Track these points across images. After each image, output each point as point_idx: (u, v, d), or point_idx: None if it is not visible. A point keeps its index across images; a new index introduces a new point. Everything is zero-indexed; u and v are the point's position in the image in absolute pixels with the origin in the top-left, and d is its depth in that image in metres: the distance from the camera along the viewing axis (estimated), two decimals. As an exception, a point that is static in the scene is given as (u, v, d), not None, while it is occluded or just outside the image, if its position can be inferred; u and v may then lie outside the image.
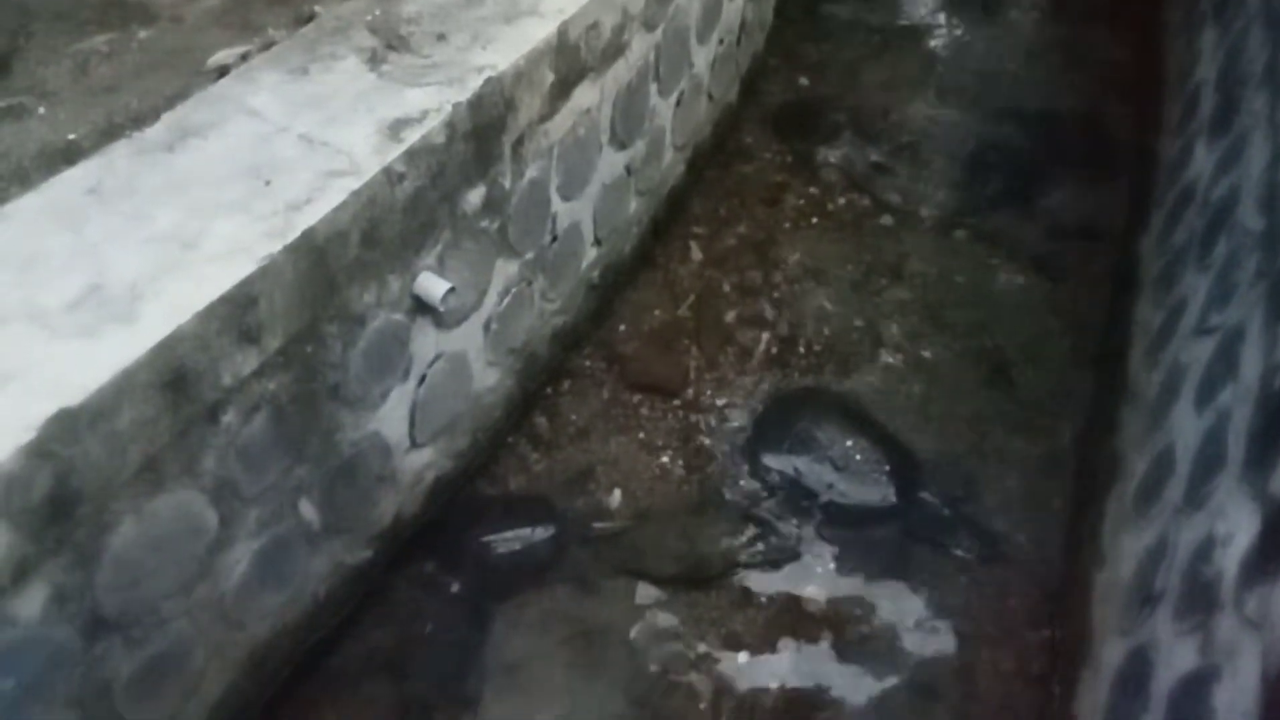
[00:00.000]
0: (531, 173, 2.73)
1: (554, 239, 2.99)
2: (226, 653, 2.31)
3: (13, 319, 1.79)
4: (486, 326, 2.81)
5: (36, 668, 1.79)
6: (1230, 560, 1.97)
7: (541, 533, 2.94)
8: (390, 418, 2.54)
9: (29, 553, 1.67)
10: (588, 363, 3.38)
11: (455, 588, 2.81)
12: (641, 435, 3.19)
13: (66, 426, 1.65)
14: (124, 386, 1.73)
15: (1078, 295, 3.68)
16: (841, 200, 4.05)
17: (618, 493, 3.05)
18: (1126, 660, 2.25)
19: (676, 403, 3.28)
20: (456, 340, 2.69)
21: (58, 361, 1.72)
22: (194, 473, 2.01)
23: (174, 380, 1.82)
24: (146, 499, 1.91)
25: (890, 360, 3.43)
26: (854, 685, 2.65)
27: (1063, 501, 3.04)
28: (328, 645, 2.64)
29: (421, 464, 2.77)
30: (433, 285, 2.40)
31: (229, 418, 2.03)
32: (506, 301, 2.85)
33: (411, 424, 2.64)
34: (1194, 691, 1.91)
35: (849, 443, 3.16)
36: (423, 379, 2.60)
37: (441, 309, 2.43)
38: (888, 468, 3.10)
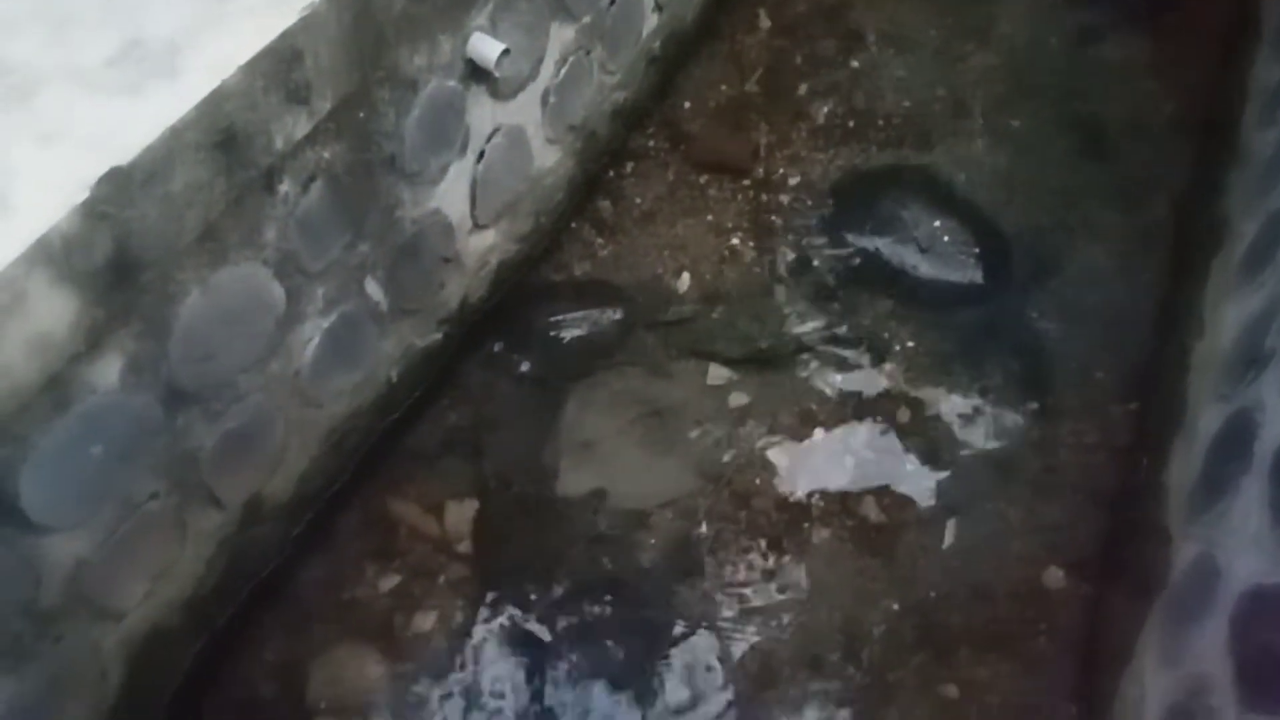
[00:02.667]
0: (586, -77, 2.50)
1: (612, 2, 2.77)
2: (306, 430, 2.34)
3: (53, 78, 1.70)
4: (544, 99, 2.66)
5: (121, 435, 1.82)
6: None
7: (610, 315, 2.88)
8: (450, 195, 2.46)
9: (98, 318, 1.65)
10: (651, 142, 3.22)
11: (525, 369, 2.80)
12: (710, 217, 3.07)
13: (119, 186, 1.59)
14: (174, 146, 1.65)
15: (1183, 56, 3.36)
16: (923, -41, 3.69)
17: (686, 276, 2.96)
18: (1226, 425, 2.16)
19: (746, 182, 3.12)
20: (514, 113, 2.55)
21: (103, 120, 1.64)
22: (256, 245, 1.96)
23: (224, 141, 1.74)
24: (210, 270, 1.87)
25: (974, 131, 3.20)
26: (931, 461, 2.62)
27: (1156, 274, 2.87)
28: (405, 426, 2.67)
29: (485, 246, 2.70)
30: (486, 47, 2.24)
31: (285, 187, 1.96)
32: (564, 71, 2.68)
33: (472, 203, 2.55)
34: (1302, 447, 1.82)
35: (936, 223, 2.98)
36: (481, 154, 2.49)
37: (496, 73, 2.28)
38: (976, 250, 2.94)
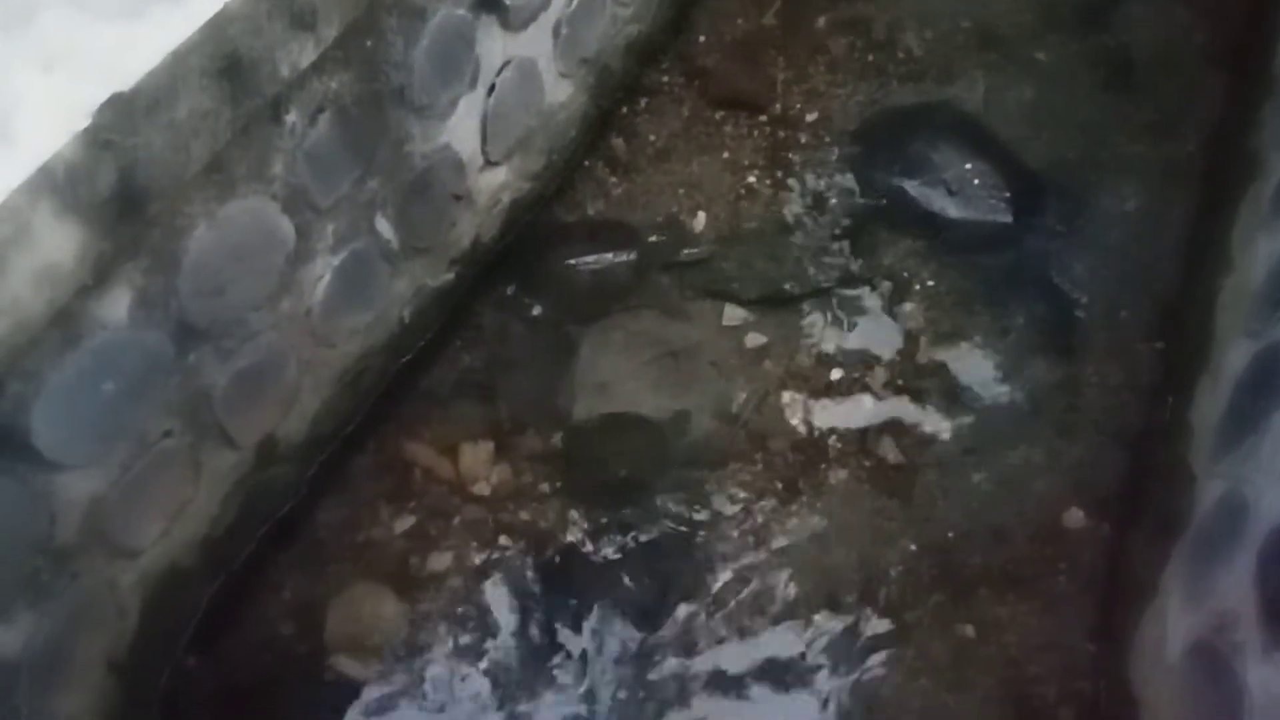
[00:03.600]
0: None
1: (626, -70, 2.69)
2: (319, 370, 2.32)
3: (52, 2, 1.65)
4: (556, 31, 2.59)
5: (133, 372, 1.80)
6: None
7: (624, 256, 2.83)
8: (461, 130, 2.40)
9: (105, 251, 1.61)
10: (665, 78, 3.14)
11: (539, 311, 2.76)
12: (726, 154, 3.00)
13: (122, 113, 1.55)
14: (177, 71, 1.60)
15: (1216, -16, 3.25)
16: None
17: (702, 215, 2.90)
18: (1255, 361, 2.11)
19: (763, 118, 3.05)
20: (525, 44, 2.49)
21: (103, 44, 1.59)
22: (264, 178, 1.92)
23: (228, 67, 1.69)
24: (218, 204, 1.83)
25: (999, 64, 3.11)
26: (951, 401, 2.58)
27: (1184, 210, 2.80)
28: (419, 367, 2.64)
29: (497, 184, 2.65)
30: (496, -27, 2.17)
31: (292, 118, 1.91)
32: (576, 2, 2.60)
33: (483, 138, 2.49)
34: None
35: (966, 166, 2.90)
36: (492, 88, 2.43)
37: (507, 1, 2.21)
38: (1006, 194, 2.86)
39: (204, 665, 2.23)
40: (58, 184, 1.48)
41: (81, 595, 1.86)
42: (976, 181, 2.85)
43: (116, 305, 1.72)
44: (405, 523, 2.45)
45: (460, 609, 2.33)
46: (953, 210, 2.83)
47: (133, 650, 2.03)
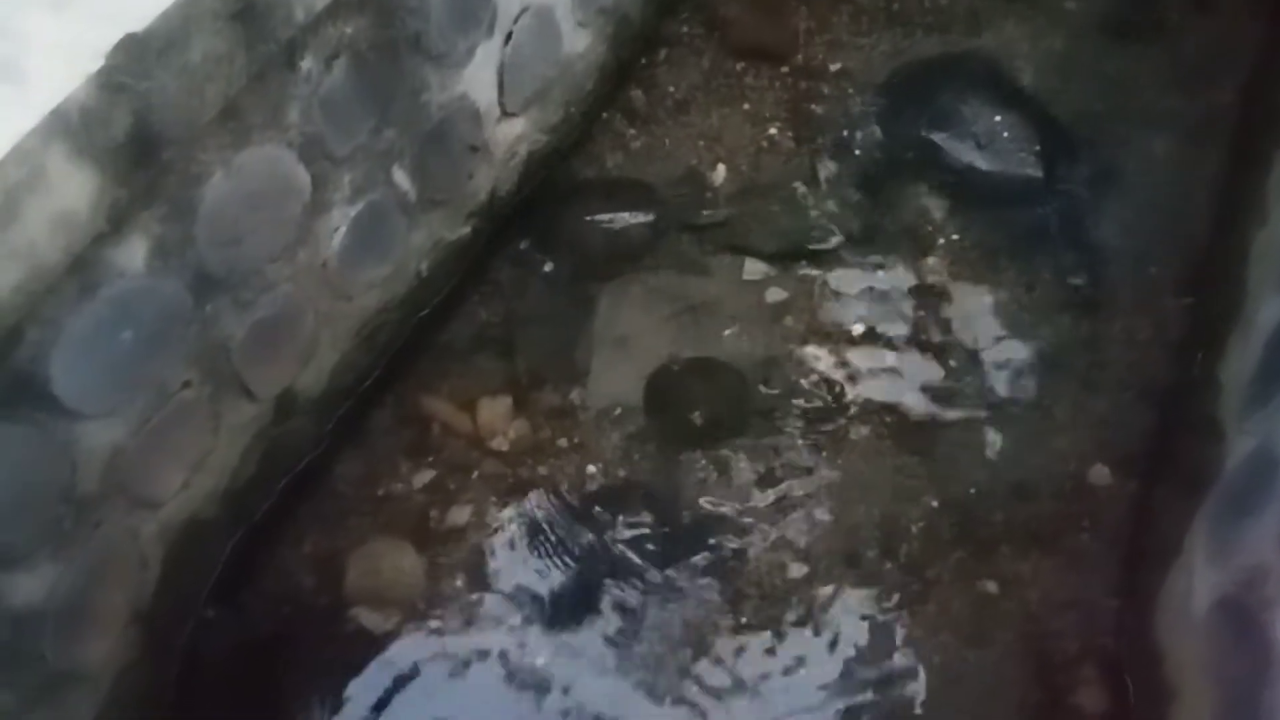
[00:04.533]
0: None
1: (645, -127, 2.62)
2: (337, 323, 2.31)
3: (61, -57, 1.61)
4: (574, -22, 2.54)
5: (151, 321, 1.79)
6: None
7: (644, 210, 2.79)
8: (478, 80, 2.36)
9: (121, 198, 1.60)
10: (685, 29, 3.08)
11: (557, 266, 2.74)
12: (747, 106, 2.95)
13: (135, 56, 1.52)
14: (190, 13, 1.58)
15: (1253, -70, 3.14)
16: None
17: (722, 168, 2.86)
18: (1288, 314, 2.06)
19: (785, 69, 2.99)
20: (543, -9, 2.44)
21: (115, -15, 1.56)
22: (279, 126, 1.89)
23: (242, 10, 1.66)
24: (234, 151, 1.81)
25: (1028, 14, 3.03)
26: (974, 357, 2.54)
27: (1217, 163, 2.74)
28: (436, 322, 2.63)
29: (514, 135, 2.61)
30: (514, -84, 2.12)
31: (307, 64, 1.88)
32: (595, -52, 2.55)
33: (500, 88, 2.45)
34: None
35: (996, 118, 2.83)
36: (509, 36, 2.39)
37: (525, -55, 2.16)
38: (1037, 147, 2.79)
39: (226, 616, 2.25)
40: (71, 127, 1.46)
41: (104, 545, 1.86)
42: (1006, 134, 2.79)
43: (133, 253, 1.70)
44: (424, 477, 2.45)
45: (479, 563, 2.33)
46: (981, 163, 2.77)
47: (155, 600, 2.04)
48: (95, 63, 1.48)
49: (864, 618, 2.24)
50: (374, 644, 2.24)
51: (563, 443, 2.48)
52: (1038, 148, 2.77)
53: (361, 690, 2.19)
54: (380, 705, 2.18)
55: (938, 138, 2.81)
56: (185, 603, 2.18)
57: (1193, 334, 2.48)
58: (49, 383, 1.62)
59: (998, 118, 2.81)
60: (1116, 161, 2.77)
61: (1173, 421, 2.36)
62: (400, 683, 2.20)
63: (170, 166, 1.69)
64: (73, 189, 1.50)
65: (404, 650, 2.23)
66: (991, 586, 2.27)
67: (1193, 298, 2.55)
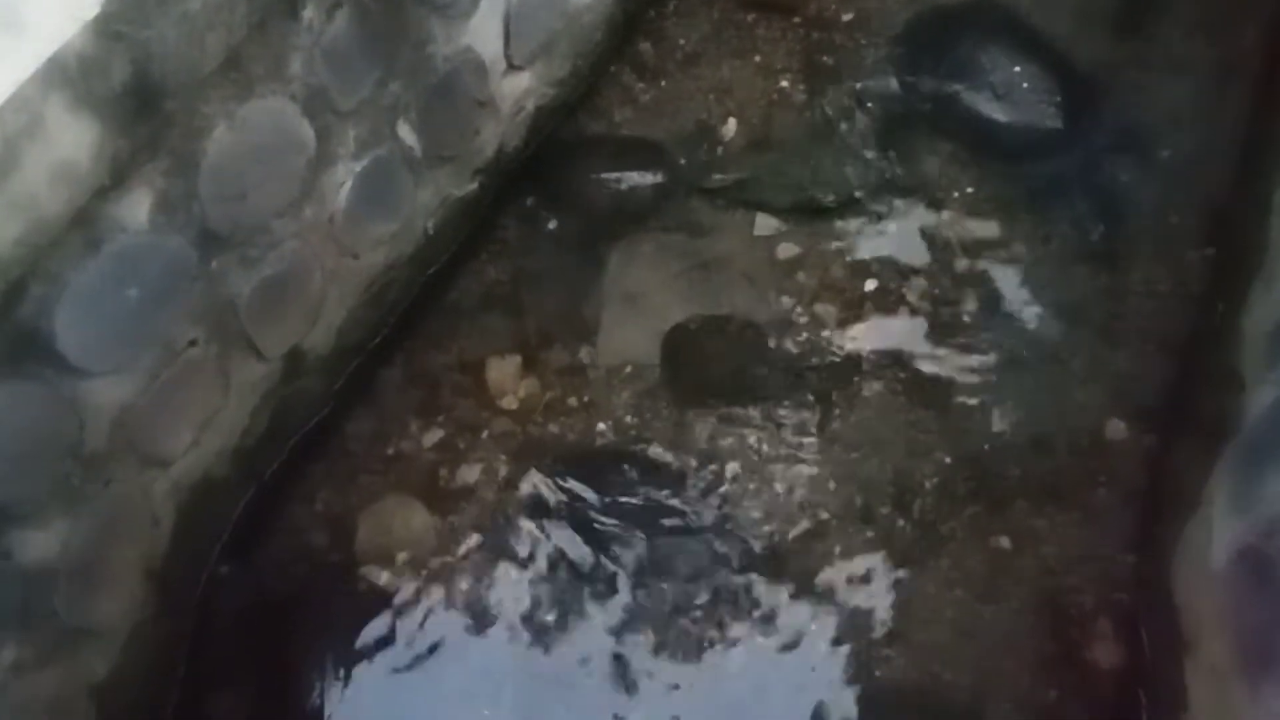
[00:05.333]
0: None
1: None
2: (344, 280, 2.29)
3: (54, -113, 1.58)
4: (580, -74, 2.48)
5: (156, 277, 1.77)
6: None
7: (653, 166, 2.75)
8: (483, 31, 2.32)
9: (122, 149, 1.57)
10: (695, -21, 3.01)
11: (565, 224, 2.70)
12: (758, 58, 2.89)
13: (133, 3, 1.49)
14: (188, -41, 1.54)
15: None
16: None
17: (733, 122, 2.81)
18: (1314, 262, 2.02)
19: (796, 20, 2.92)
20: (548, -60, 2.38)
21: (111, -70, 1.52)
22: (282, 77, 1.86)
23: (241, -44, 1.62)
24: (236, 103, 1.78)
25: (1045, -41, 2.95)
26: (990, 311, 2.51)
27: (1240, 110, 2.67)
28: (444, 280, 2.61)
29: (521, 89, 2.56)
30: None
31: (309, 13, 1.85)
32: (602, -105, 2.49)
33: (506, 40, 2.40)
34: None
35: (1015, 68, 2.75)
36: (515, -14, 2.34)
37: (530, -111, 2.11)
38: (1057, 98, 2.72)
39: (238, 574, 2.26)
40: (70, 76, 1.43)
41: (115, 503, 1.86)
42: (1025, 85, 2.72)
43: (136, 208, 1.68)
44: (434, 436, 2.44)
45: (489, 521, 2.33)
46: (1000, 114, 2.70)
47: (167, 558, 2.05)
48: (92, 9, 1.45)
49: (876, 573, 2.23)
50: (385, 601, 2.24)
51: (572, 401, 2.47)
52: (1058, 98, 2.70)
53: (372, 646, 2.20)
54: (391, 661, 2.19)
55: (955, 89, 2.74)
56: (198, 560, 2.19)
57: (1213, 284, 2.43)
58: (54, 339, 1.61)
59: (1017, 68, 2.74)
60: (1137, 110, 2.71)
61: (1192, 373, 2.33)
62: (411, 640, 2.20)
63: (172, 118, 1.66)
64: (72, 139, 1.48)
65: (415, 607, 2.24)
66: (1006, 542, 2.25)
67: (1214, 247, 2.50)
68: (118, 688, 1.93)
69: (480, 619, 2.23)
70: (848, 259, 2.60)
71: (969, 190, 2.66)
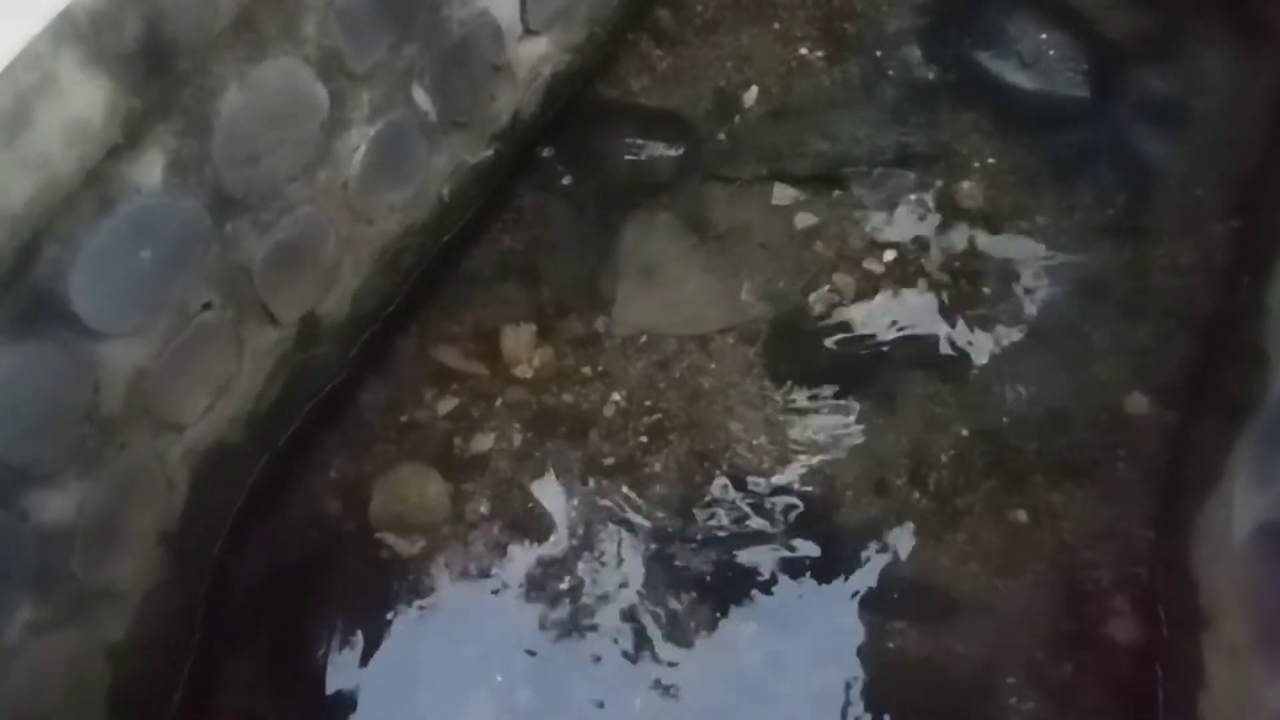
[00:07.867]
0: None
1: None
2: (358, 247, 2.27)
3: None
4: (599, -113, 2.44)
5: (170, 240, 1.76)
6: None
7: (672, 138, 2.72)
8: (500, -5, 2.29)
9: (135, 108, 1.56)
10: (714, -55, 2.96)
11: (581, 193, 2.68)
12: (777, 25, 2.85)
13: (145, -42, 1.47)
14: (200, -86, 1.52)
15: None
16: None
17: (753, 90, 2.77)
18: (1344, 234, 1.98)
19: (817, -14, 2.88)
20: (566, -99, 2.35)
21: (123, -116, 1.50)
22: (295, 38, 1.84)
23: (255, -88, 1.60)
24: (249, 64, 1.76)
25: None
26: (1010, 283, 2.47)
27: (1269, 80, 2.62)
28: (459, 249, 2.59)
29: (537, 55, 2.53)
30: None
31: (323, -27, 1.82)
32: None
33: (523, 5, 2.38)
34: None
35: (1042, 36, 2.70)
36: (532, -52, 2.30)
37: None
38: (1085, 66, 2.67)
39: (253, 539, 2.26)
40: (81, 32, 1.42)
41: (130, 466, 1.86)
42: (1052, 53, 2.66)
43: (150, 169, 1.67)
44: (448, 404, 2.43)
45: (503, 489, 2.32)
46: (1026, 83, 2.66)
47: (183, 522, 2.05)
48: (104, -35, 1.43)
49: (891, 546, 2.21)
50: (399, 568, 2.24)
51: (587, 371, 2.45)
52: (1085, 66, 2.65)
53: (386, 613, 2.20)
54: (404, 628, 2.19)
55: (980, 57, 2.70)
56: (213, 525, 2.19)
57: (1239, 259, 2.39)
58: (69, 301, 1.61)
59: (1044, 35, 2.69)
60: (1165, 80, 2.66)
61: (1215, 348, 2.29)
62: (424, 607, 2.21)
63: (185, 78, 1.64)
64: (85, 97, 1.46)
65: (429, 575, 2.24)
66: (1023, 516, 2.23)
67: (1240, 221, 2.45)
68: (133, 650, 1.94)
69: (494, 587, 2.23)
70: (866, 229, 2.57)
71: (991, 161, 2.62)
